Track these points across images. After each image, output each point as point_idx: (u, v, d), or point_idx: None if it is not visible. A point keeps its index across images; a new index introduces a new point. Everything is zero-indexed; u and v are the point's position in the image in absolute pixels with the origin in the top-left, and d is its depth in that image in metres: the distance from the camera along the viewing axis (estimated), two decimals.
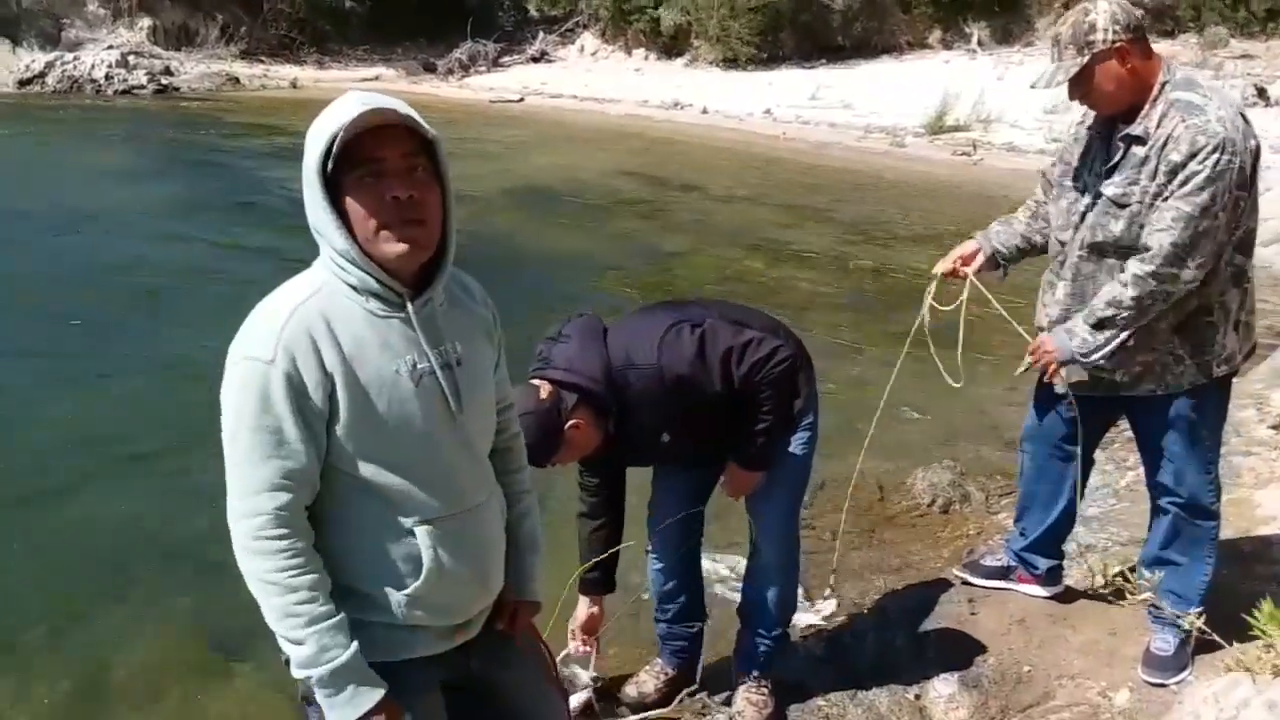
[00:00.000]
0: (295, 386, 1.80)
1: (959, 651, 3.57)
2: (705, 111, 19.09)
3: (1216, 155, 2.81)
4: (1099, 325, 3.01)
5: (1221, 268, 2.97)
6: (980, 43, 20.94)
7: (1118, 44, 2.89)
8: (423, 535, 1.93)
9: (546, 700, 2.37)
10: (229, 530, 1.87)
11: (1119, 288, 2.96)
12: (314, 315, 1.83)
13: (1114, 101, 2.99)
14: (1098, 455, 3.87)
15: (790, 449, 3.15)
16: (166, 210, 11.05)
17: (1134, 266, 2.94)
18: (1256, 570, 3.76)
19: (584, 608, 3.34)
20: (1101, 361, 3.07)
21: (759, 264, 9.48)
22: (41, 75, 21.54)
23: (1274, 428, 5.06)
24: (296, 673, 1.88)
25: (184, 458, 5.13)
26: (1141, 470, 4.87)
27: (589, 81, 22.32)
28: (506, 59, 25.46)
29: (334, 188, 1.81)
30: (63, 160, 13.74)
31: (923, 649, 3.64)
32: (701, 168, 14.45)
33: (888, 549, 4.47)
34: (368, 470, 1.88)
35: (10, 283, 8.24)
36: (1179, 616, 2.71)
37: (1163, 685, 3.23)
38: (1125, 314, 2.97)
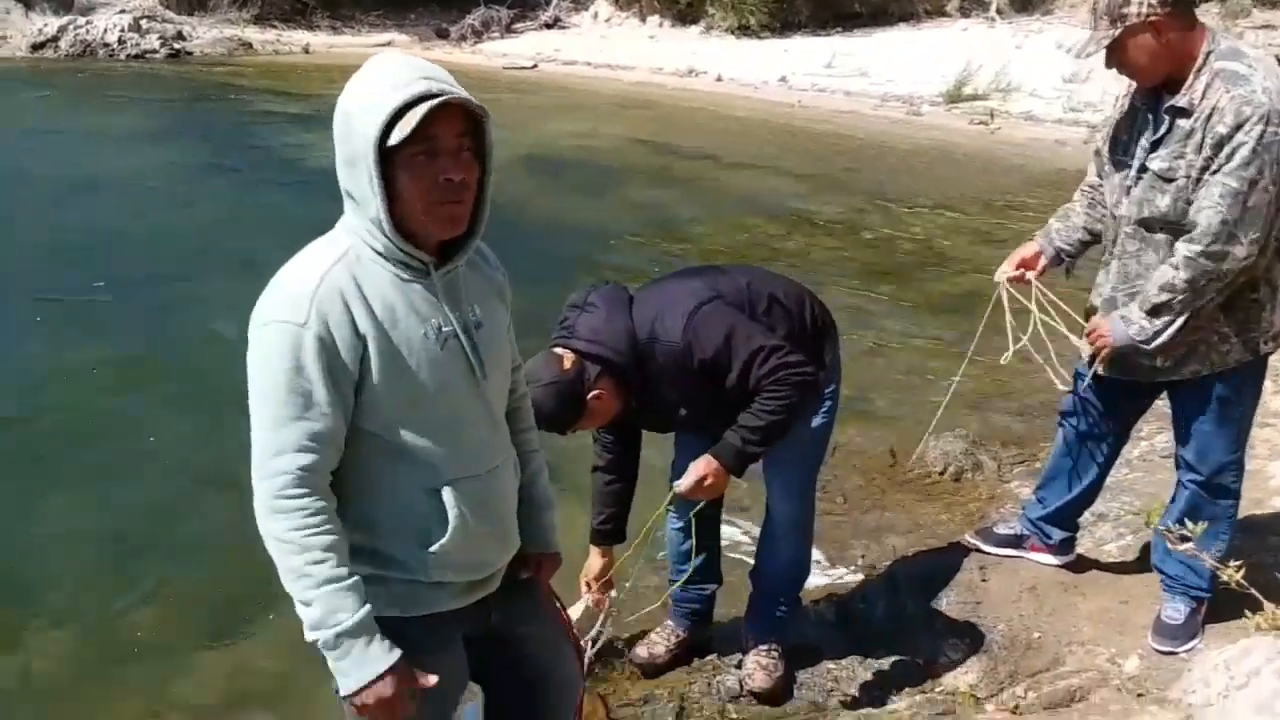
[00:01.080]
0: (328, 349, 1.80)
1: (969, 617, 3.59)
2: (720, 79, 18.94)
3: (1262, 127, 2.74)
4: (1154, 311, 2.95)
5: (1270, 242, 2.90)
6: (999, 10, 20.69)
7: (1152, 17, 2.82)
8: (447, 496, 1.95)
9: (562, 654, 2.41)
10: (249, 495, 1.89)
11: (1170, 271, 2.89)
12: (345, 278, 1.83)
13: (1148, 74, 2.94)
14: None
15: (810, 417, 3.12)
16: (181, 174, 11.04)
17: (1183, 248, 2.87)
18: (1269, 542, 3.77)
19: (595, 558, 3.33)
20: (1160, 346, 3.00)
21: (773, 231, 9.44)
22: (54, 39, 21.47)
23: None
24: (308, 636, 1.89)
25: (204, 420, 5.18)
26: (1155, 441, 4.92)
27: (603, 48, 22.15)
28: (520, 25, 25.26)
29: (383, 158, 1.80)
30: (78, 124, 13.72)
31: (933, 615, 3.66)
32: (716, 135, 14.36)
33: (899, 515, 4.48)
34: (395, 432, 1.90)
35: (29, 245, 8.28)
36: (1218, 567, 2.68)
37: (1173, 653, 3.24)
38: (1180, 298, 2.90)
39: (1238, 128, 2.76)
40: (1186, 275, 2.87)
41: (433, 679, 1.96)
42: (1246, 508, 3.91)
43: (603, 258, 8.41)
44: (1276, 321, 3.05)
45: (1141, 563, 3.64)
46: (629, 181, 11.48)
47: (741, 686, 3.34)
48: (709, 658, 3.53)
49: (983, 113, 14.94)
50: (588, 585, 3.36)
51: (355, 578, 1.88)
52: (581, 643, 3.37)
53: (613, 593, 3.39)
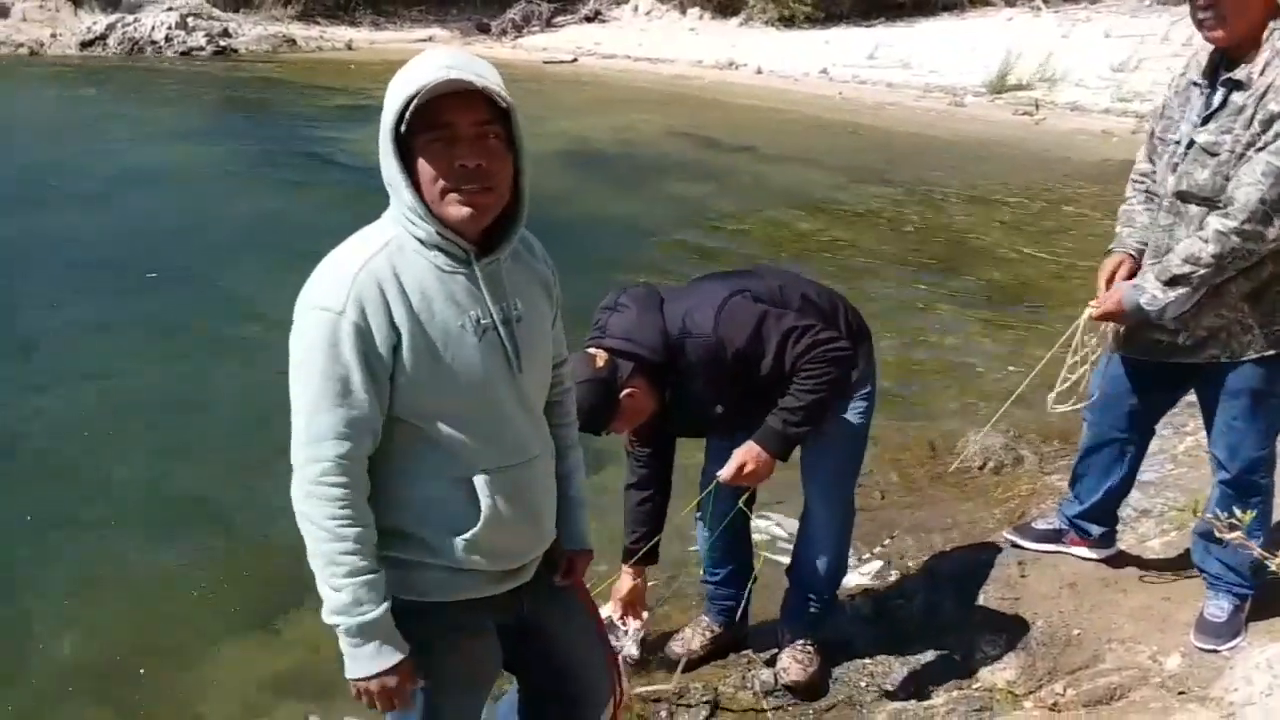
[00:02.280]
0: (364, 337, 1.83)
1: (1007, 613, 3.55)
2: (760, 72, 18.89)
3: None
4: (1171, 282, 2.90)
5: None
6: None
7: None
8: (481, 485, 1.97)
9: (594, 648, 2.41)
10: (286, 480, 1.91)
11: (1198, 243, 2.84)
12: (384, 268, 1.85)
13: (1237, 26, 2.82)
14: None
15: (847, 416, 3.10)
16: (229, 169, 11.22)
17: (1216, 222, 2.82)
18: None
19: (626, 579, 3.35)
20: (1168, 320, 2.97)
21: (814, 225, 9.40)
22: (103, 37, 21.87)
23: None
24: (327, 618, 1.92)
25: (250, 410, 5.26)
26: (1201, 436, 4.84)
27: (643, 41, 22.16)
28: (560, 19, 25.35)
29: (407, 146, 1.84)
30: (128, 121, 13.96)
31: (971, 610, 3.63)
32: (756, 128, 14.32)
33: (938, 509, 4.45)
34: (430, 421, 1.92)
35: (83, 237, 8.48)
36: (1267, 556, 2.64)
37: (1215, 651, 3.19)
38: (1202, 271, 2.85)
39: None
40: (1215, 250, 2.82)
41: (420, 683, 2.02)
42: None
43: (642, 252, 8.42)
44: None
45: (1184, 560, 3.59)
46: (669, 175, 11.48)
47: (776, 680, 3.33)
48: (744, 652, 3.52)
49: (1027, 103, 14.77)
50: (619, 605, 3.37)
51: (380, 571, 1.91)
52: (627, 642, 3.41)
53: (644, 615, 3.41)
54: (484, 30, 25.09)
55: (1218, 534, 2.54)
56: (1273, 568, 2.53)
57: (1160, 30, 17.27)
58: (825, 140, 13.61)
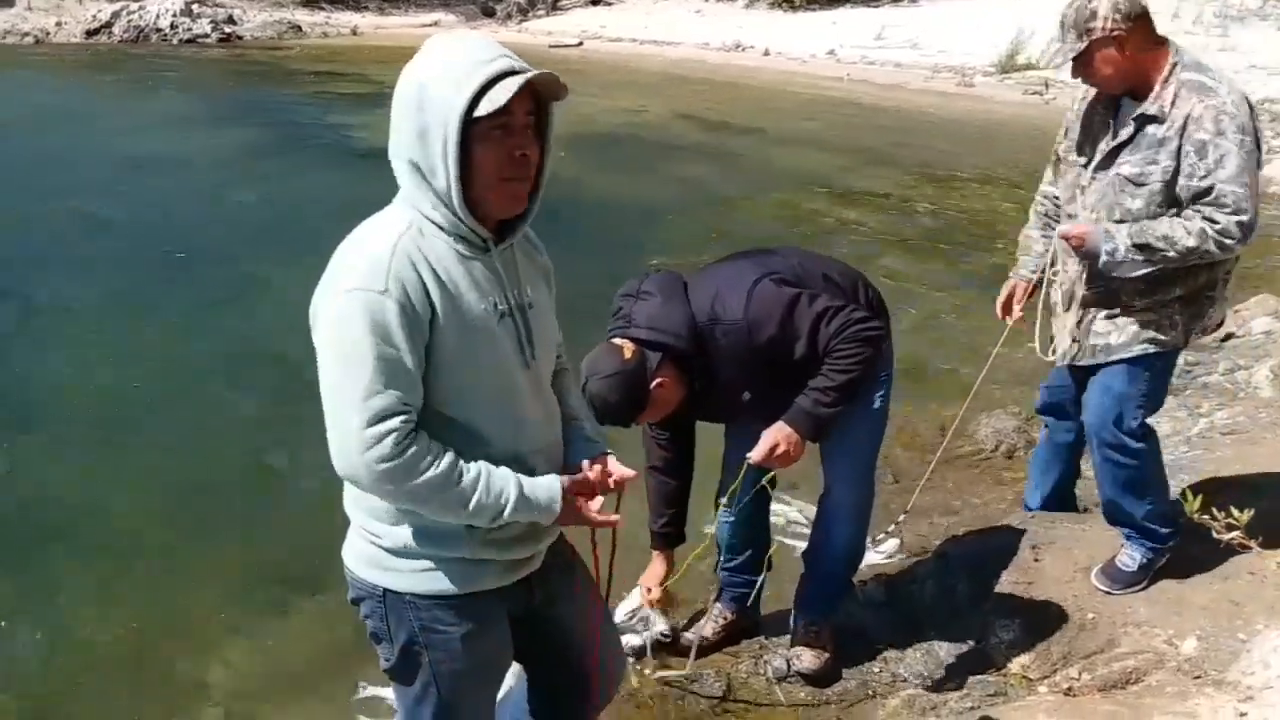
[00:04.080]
0: (408, 315, 1.80)
1: (1021, 597, 3.53)
2: (767, 53, 18.80)
3: (1240, 136, 2.91)
4: (1141, 248, 3.01)
5: None
6: None
7: (1115, 32, 2.97)
8: None
9: (604, 636, 2.40)
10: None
11: (1181, 230, 2.96)
12: (413, 249, 1.84)
13: (1111, 83, 3.09)
14: (1169, 401, 3.93)
15: (868, 397, 3.07)
16: (236, 155, 11.22)
17: (1203, 224, 2.94)
18: None
19: (657, 563, 3.33)
20: (1116, 272, 3.09)
21: (822, 206, 9.36)
22: (108, 25, 21.88)
23: None
24: (503, 521, 1.94)
25: (266, 392, 5.29)
26: (1214, 418, 4.82)
27: (648, 24, 22.07)
28: (565, 2, 25.26)
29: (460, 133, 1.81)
30: (133, 108, 13.97)
31: (984, 595, 3.61)
32: (763, 110, 14.26)
33: (950, 492, 4.43)
34: (448, 407, 1.90)
35: (91, 223, 8.52)
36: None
37: (1108, 592, 3.42)
38: (1170, 254, 2.98)
39: (1219, 134, 2.91)
40: (1192, 243, 2.95)
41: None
42: None
43: (653, 235, 8.39)
44: (1214, 316, 3.25)
45: (1197, 543, 3.55)
46: (677, 157, 11.44)
47: (789, 667, 3.32)
48: (757, 639, 3.51)
49: (1037, 83, 14.67)
50: (648, 590, 3.36)
51: (483, 464, 1.91)
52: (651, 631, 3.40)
53: (675, 599, 3.41)
54: (489, 14, 25.01)
55: (1216, 534, 2.56)
56: (1276, 565, 2.52)
57: (1170, 8, 17.15)
58: (833, 121, 13.54)
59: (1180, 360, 4.91)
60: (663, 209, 9.28)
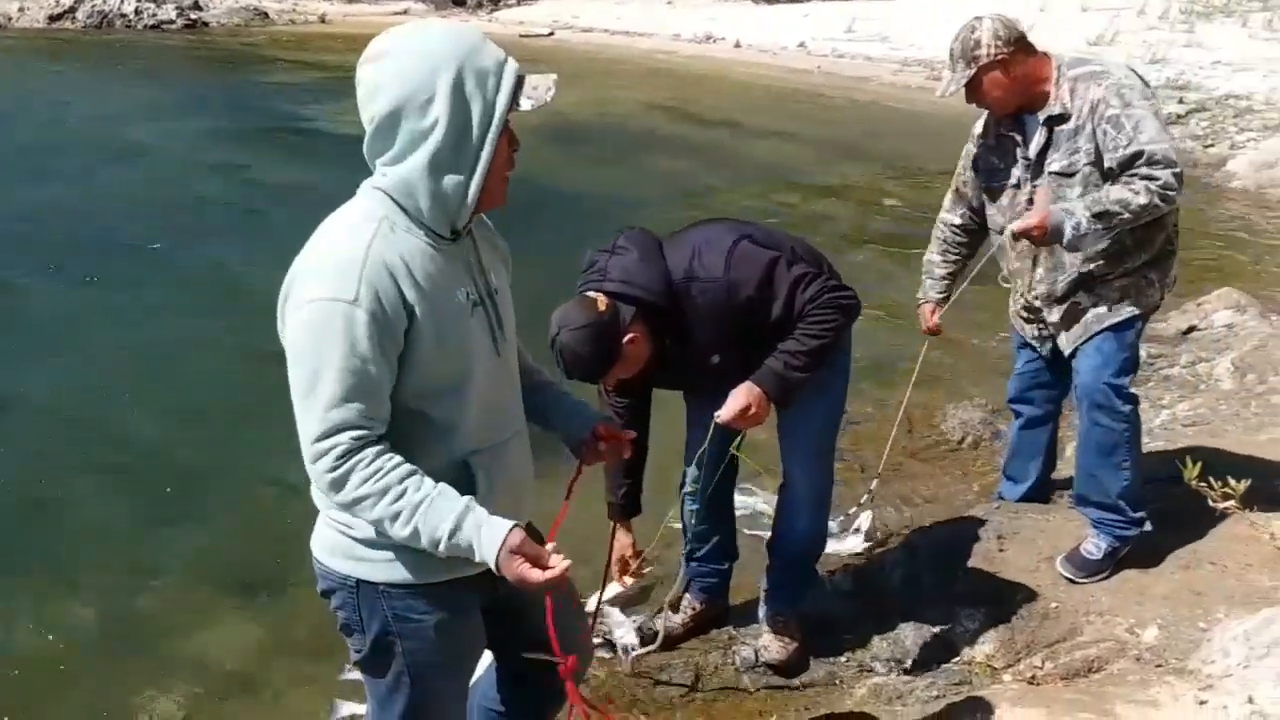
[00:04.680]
0: (380, 324, 1.78)
1: (986, 587, 3.57)
2: (738, 45, 18.80)
3: (1144, 100, 3.16)
4: (1100, 215, 3.15)
5: None
6: None
7: (999, 56, 3.22)
8: (474, 463, 1.95)
9: (571, 622, 2.40)
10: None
11: (1129, 192, 3.12)
12: (388, 250, 1.81)
13: (1003, 105, 3.33)
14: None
15: (826, 382, 3.07)
16: (201, 143, 11.08)
17: (1145, 182, 3.11)
18: None
19: (622, 536, 3.30)
20: (1083, 248, 3.25)
21: (793, 199, 9.38)
22: (71, 10, 21.51)
23: None
24: (438, 554, 1.86)
25: (236, 384, 5.25)
26: (1176, 409, 4.88)
27: (620, 15, 22.00)
28: None
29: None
30: (96, 95, 13.76)
31: (950, 585, 3.64)
32: (734, 102, 14.26)
33: (917, 483, 4.46)
34: (427, 402, 1.89)
35: (56, 212, 8.40)
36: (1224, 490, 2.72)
37: (1072, 580, 3.50)
38: (1126, 215, 3.13)
39: (1126, 105, 3.13)
40: (1144, 200, 3.11)
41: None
42: (1269, 477, 3.88)
43: (622, 226, 8.36)
44: (1175, 268, 3.46)
45: (1160, 532, 3.61)
46: (648, 149, 11.42)
47: (757, 657, 3.34)
48: (725, 629, 3.53)
49: None
50: (623, 564, 3.33)
51: (441, 485, 1.84)
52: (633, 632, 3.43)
53: (644, 570, 3.40)
54: (459, 3, 24.83)
55: (1212, 502, 2.60)
56: (1266, 538, 2.56)
57: (1137, 3, 17.30)
58: (804, 114, 13.57)
59: (1142, 353, 4.98)
60: (633, 200, 9.26)
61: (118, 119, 12.10)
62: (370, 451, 1.81)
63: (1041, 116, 3.28)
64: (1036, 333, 3.63)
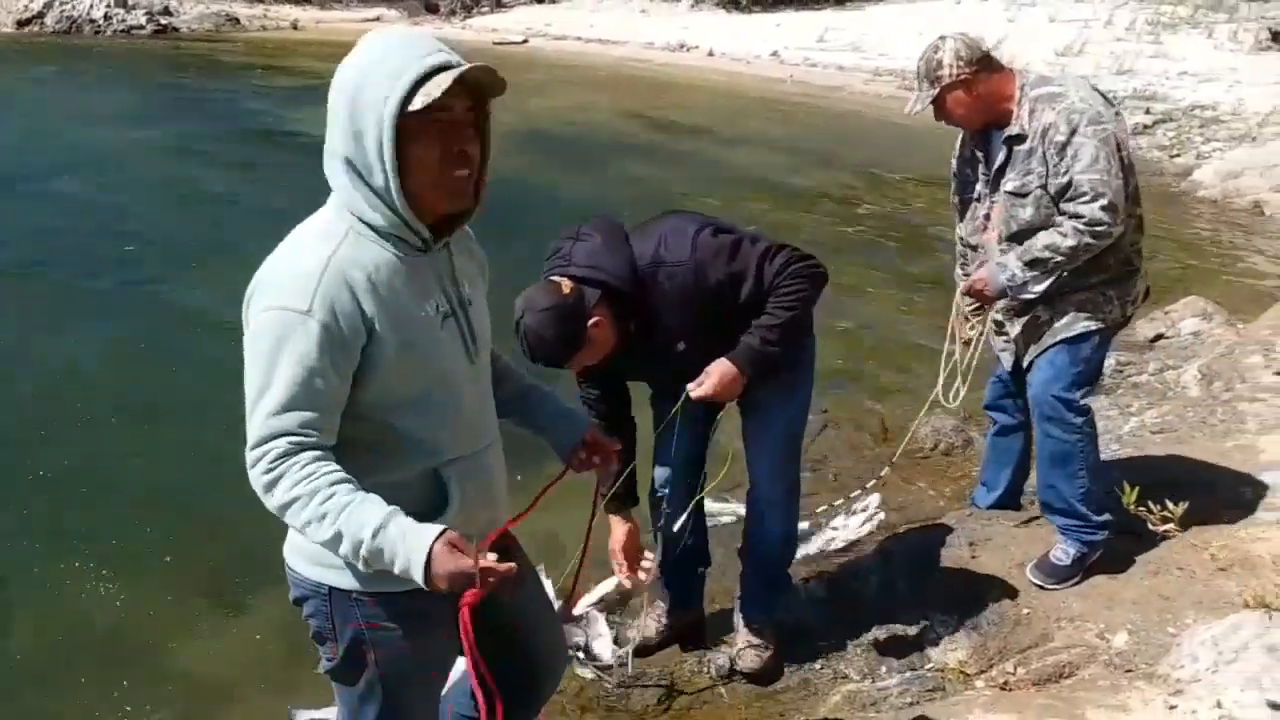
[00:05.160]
0: (333, 337, 1.77)
1: (959, 593, 3.59)
2: (711, 54, 18.88)
3: (1092, 126, 3.19)
4: (1032, 263, 3.30)
5: (1129, 220, 3.32)
6: None
7: (961, 76, 3.32)
8: (448, 474, 1.95)
9: (547, 622, 2.42)
10: (244, 464, 1.85)
11: (1058, 236, 3.25)
12: (348, 264, 1.80)
13: (968, 121, 3.45)
14: (1101, 400, 4.18)
15: (790, 389, 3.09)
16: (171, 150, 11.00)
17: (1070, 223, 3.23)
18: (1261, 516, 3.77)
19: (618, 527, 3.17)
20: (1027, 293, 3.38)
21: (766, 206, 9.41)
22: (40, 15, 21.34)
23: (1279, 374, 5.05)
24: (361, 566, 1.80)
25: (202, 394, 5.20)
26: (1145, 417, 4.93)
27: (594, 23, 22.05)
28: None
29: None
30: (64, 101, 13.64)
31: (923, 590, 3.66)
32: (707, 110, 14.31)
33: (890, 490, 4.48)
34: (398, 414, 1.89)
35: (20, 221, 8.30)
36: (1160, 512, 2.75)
37: (1041, 587, 3.52)
38: (1058, 259, 3.26)
39: (1073, 132, 3.20)
40: (1072, 242, 3.23)
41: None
42: (1236, 483, 3.93)
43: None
44: (1139, 286, 3.48)
45: (1129, 538, 3.65)
46: (620, 156, 11.43)
47: (732, 665, 3.34)
48: (701, 636, 3.52)
49: None
50: (621, 556, 3.18)
51: (369, 494, 1.79)
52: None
53: (648, 559, 3.23)
54: (432, 10, 24.80)
55: (1151, 525, 2.65)
56: (1208, 556, 2.58)
57: (1104, 15, 17.51)
58: (776, 122, 13.63)
59: (1111, 361, 5.03)
60: (604, 207, 9.14)
61: (80, 125, 11.99)
62: (306, 456, 1.79)
63: (1000, 136, 3.38)
64: (1003, 344, 3.69)
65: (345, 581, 1.98)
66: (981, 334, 3.73)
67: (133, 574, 3.96)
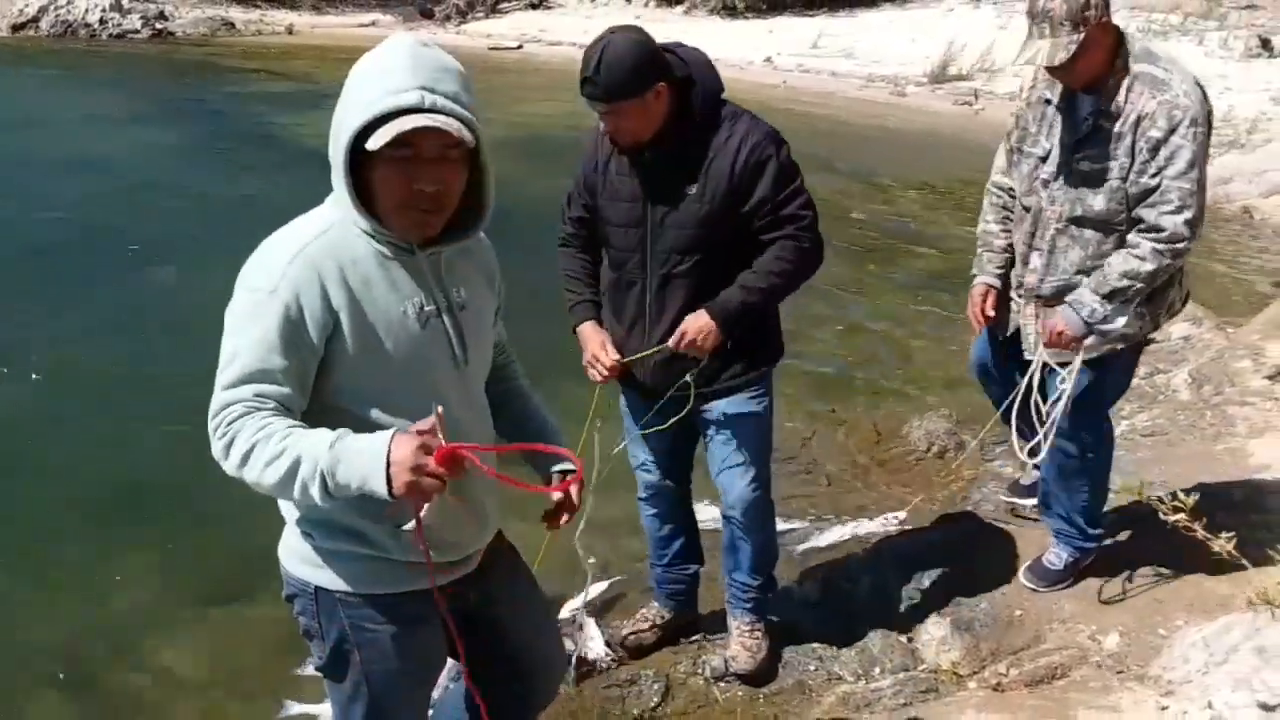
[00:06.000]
0: (292, 320, 1.80)
1: (952, 595, 3.61)
2: None
3: (1192, 129, 2.89)
4: (1111, 296, 3.03)
5: None
6: None
7: (1103, 18, 2.90)
8: None
9: (543, 634, 2.41)
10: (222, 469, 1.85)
11: (1135, 261, 2.98)
12: (323, 253, 1.84)
13: (1093, 76, 2.99)
14: None
15: (751, 405, 3.06)
16: (166, 155, 10.98)
17: (1149, 244, 2.96)
18: (1251, 519, 3.79)
19: (593, 332, 3.05)
20: (1112, 328, 3.10)
21: None
22: (35, 19, 21.28)
23: (1269, 378, 5.08)
24: (320, 500, 1.75)
25: (193, 394, 5.16)
26: (1135, 420, 4.95)
27: (588, 29, 21.95)
28: (505, 4, 25.11)
29: (361, 151, 1.79)
30: (61, 106, 13.60)
31: (916, 593, 3.69)
32: None
33: (883, 492, 4.51)
34: (373, 411, 1.90)
35: (14, 223, 8.29)
36: (1209, 538, 2.68)
37: (1034, 590, 3.52)
38: (1139, 286, 3.01)
39: (1171, 131, 2.89)
40: (1152, 266, 2.97)
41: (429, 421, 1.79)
42: (1227, 484, 3.96)
43: None
44: (1176, 296, 3.25)
45: (1120, 540, 3.67)
46: None
47: (726, 667, 3.35)
48: (695, 638, 3.54)
49: (967, 93, 14.96)
50: (597, 360, 3.02)
51: (320, 429, 1.78)
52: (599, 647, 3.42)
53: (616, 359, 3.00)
54: (427, 15, 24.75)
55: (1163, 515, 2.62)
56: (1216, 549, 2.60)
57: None
58: None
59: None
60: None
61: (76, 129, 11.98)
62: (261, 414, 1.79)
63: (1091, 106, 3.01)
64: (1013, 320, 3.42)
65: (330, 581, 2.00)
66: (1070, 387, 3.23)
67: (129, 570, 3.98)
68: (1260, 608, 2.82)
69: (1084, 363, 3.19)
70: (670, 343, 2.89)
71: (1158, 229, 2.95)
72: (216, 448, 1.82)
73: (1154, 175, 2.93)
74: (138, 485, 4.60)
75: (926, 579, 3.74)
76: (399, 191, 1.82)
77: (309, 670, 3.21)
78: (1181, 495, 2.39)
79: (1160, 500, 2.67)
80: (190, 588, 3.91)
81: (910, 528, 4.15)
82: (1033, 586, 3.55)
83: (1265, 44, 14.97)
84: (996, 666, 3.27)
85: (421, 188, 1.81)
